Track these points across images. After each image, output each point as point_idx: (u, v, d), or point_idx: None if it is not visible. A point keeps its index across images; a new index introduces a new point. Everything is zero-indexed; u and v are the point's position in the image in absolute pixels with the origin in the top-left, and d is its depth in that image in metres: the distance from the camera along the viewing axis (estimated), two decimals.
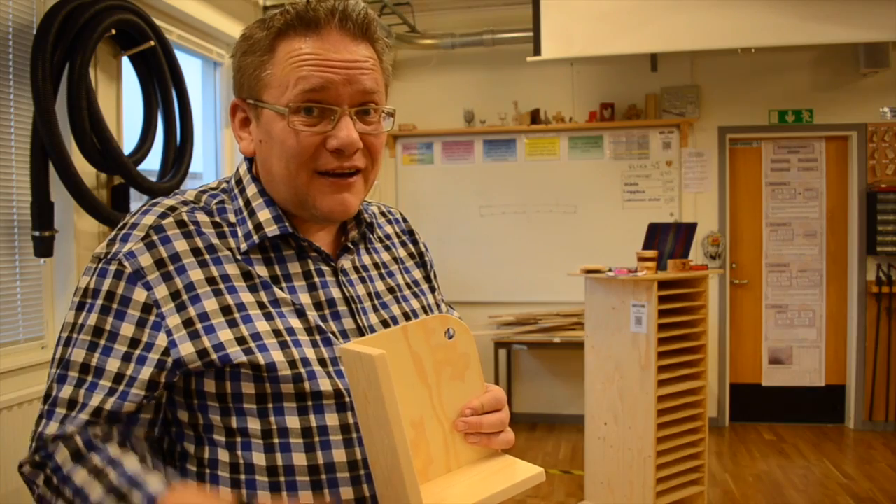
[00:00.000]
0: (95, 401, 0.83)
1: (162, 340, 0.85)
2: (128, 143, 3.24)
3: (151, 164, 3.33)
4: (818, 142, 5.29)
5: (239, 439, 0.85)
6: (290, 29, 0.89)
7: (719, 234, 5.24)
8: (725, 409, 5.32)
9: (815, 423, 5.31)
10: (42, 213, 2.76)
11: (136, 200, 3.28)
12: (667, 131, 5.28)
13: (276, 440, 0.85)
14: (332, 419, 0.87)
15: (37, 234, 2.76)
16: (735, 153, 5.35)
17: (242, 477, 0.85)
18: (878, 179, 5.09)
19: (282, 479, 0.85)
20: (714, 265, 5.16)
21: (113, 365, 0.84)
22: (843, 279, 5.27)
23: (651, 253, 3.46)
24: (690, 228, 3.68)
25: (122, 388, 0.84)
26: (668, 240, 3.64)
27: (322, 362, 0.88)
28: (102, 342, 0.85)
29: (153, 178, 3.26)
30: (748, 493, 4.04)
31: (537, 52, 4.49)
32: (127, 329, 0.85)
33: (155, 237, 0.88)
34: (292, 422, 0.85)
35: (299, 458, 0.85)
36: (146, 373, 0.84)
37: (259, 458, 0.85)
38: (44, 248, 2.79)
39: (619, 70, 5.30)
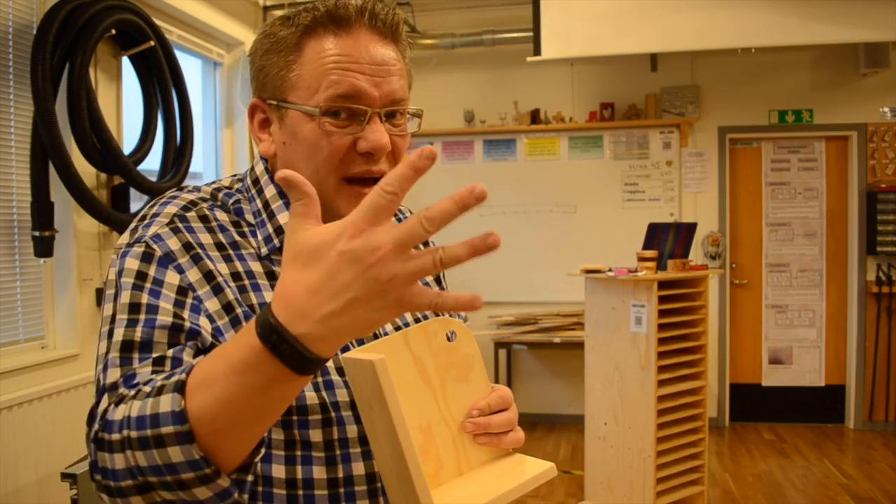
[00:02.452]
0: (155, 356, 0.76)
1: (206, 324, 0.80)
2: (128, 143, 3.24)
3: (151, 164, 3.33)
4: (818, 142, 5.29)
5: (261, 450, 0.84)
6: (318, 26, 0.87)
7: (719, 234, 5.24)
8: (725, 409, 5.32)
9: (815, 423, 5.31)
10: (42, 213, 2.76)
11: (136, 200, 3.27)
12: (667, 131, 5.28)
13: (298, 452, 0.83)
14: (352, 431, 0.85)
15: (37, 234, 2.76)
16: (735, 153, 5.35)
17: (259, 489, 0.83)
18: (878, 179, 5.09)
19: (300, 492, 0.83)
20: (714, 265, 5.15)
21: (161, 335, 0.77)
22: (843, 279, 5.27)
23: (651, 253, 3.46)
24: (690, 228, 3.68)
25: (181, 346, 0.78)
26: (668, 240, 3.64)
27: (340, 371, 0.87)
28: (142, 316, 0.78)
29: (153, 178, 3.26)
30: (748, 493, 4.04)
31: (537, 52, 4.49)
32: (165, 304, 0.79)
33: (180, 224, 0.85)
34: (315, 435, 0.84)
35: (319, 472, 0.84)
36: (205, 344, 0.79)
37: (279, 471, 0.83)
38: (44, 248, 2.79)
39: (619, 70, 5.30)
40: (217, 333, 0.80)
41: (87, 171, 2.93)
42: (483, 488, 0.80)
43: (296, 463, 0.83)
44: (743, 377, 5.39)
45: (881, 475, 4.25)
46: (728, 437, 5.07)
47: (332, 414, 0.85)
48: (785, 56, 5.11)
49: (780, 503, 3.90)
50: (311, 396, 0.84)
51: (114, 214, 3.00)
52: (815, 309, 5.33)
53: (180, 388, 0.65)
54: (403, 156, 0.93)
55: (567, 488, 4.14)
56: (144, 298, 0.79)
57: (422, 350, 0.81)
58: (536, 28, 4.48)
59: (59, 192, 2.82)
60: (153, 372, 0.74)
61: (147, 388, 0.68)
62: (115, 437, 0.67)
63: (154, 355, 0.76)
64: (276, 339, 0.60)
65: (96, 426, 0.70)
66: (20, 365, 2.71)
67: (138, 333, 0.77)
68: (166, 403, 0.64)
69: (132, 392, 0.70)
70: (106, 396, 0.74)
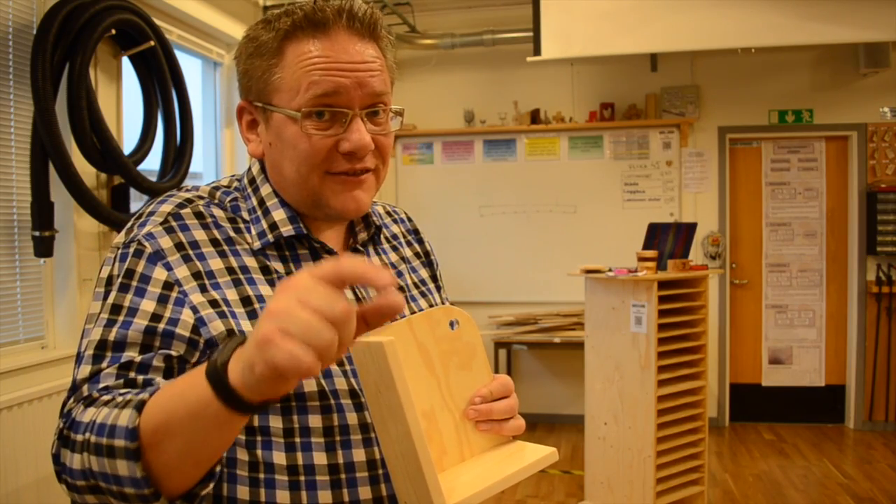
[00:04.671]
0: (123, 360, 0.80)
1: (188, 316, 0.83)
2: (128, 143, 3.24)
3: (151, 164, 3.33)
4: (818, 142, 5.29)
5: (259, 438, 0.85)
6: (297, 30, 0.88)
7: (719, 234, 5.24)
8: (725, 409, 5.32)
9: (815, 423, 5.31)
10: (42, 213, 2.76)
11: (136, 200, 3.28)
12: (667, 131, 5.28)
13: (297, 439, 0.85)
14: (352, 418, 0.87)
15: (37, 234, 2.76)
16: (735, 153, 5.35)
17: (261, 476, 0.85)
18: (878, 179, 5.09)
19: (302, 478, 0.85)
20: (714, 265, 5.15)
21: (135, 337, 0.81)
22: (843, 279, 5.26)
23: (651, 253, 3.46)
24: (690, 228, 3.68)
25: (152, 354, 0.81)
26: (668, 240, 3.64)
27: (338, 361, 0.88)
28: (121, 318, 0.82)
29: (153, 178, 3.26)
30: (748, 493, 4.04)
31: (537, 52, 4.49)
32: (147, 305, 0.83)
33: (174, 223, 0.88)
34: (315, 421, 0.85)
35: (320, 458, 0.85)
36: (179, 347, 0.82)
37: (279, 458, 0.84)
38: (44, 248, 2.79)
39: (619, 70, 5.30)
40: (199, 324, 0.83)
41: (87, 171, 2.93)
42: (486, 472, 0.81)
43: (296, 449, 0.85)
44: (743, 377, 5.39)
45: (881, 475, 4.25)
46: (728, 437, 5.07)
47: (332, 401, 0.86)
48: (785, 56, 5.11)
49: (780, 503, 3.90)
50: (309, 383, 0.85)
51: (114, 214, 3.00)
52: (815, 309, 5.32)
53: (139, 406, 0.69)
54: (389, 153, 0.96)
55: (567, 488, 4.14)
56: (128, 300, 0.83)
57: (425, 337, 0.82)
58: (536, 28, 4.48)
59: (59, 192, 2.82)
60: (118, 377, 0.78)
61: (119, 399, 0.73)
62: (79, 437, 0.72)
63: (123, 358, 0.80)
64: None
65: (64, 423, 0.76)
66: (20, 365, 2.70)
67: (114, 333, 0.81)
68: (124, 418, 0.69)
69: (107, 397, 0.75)
70: (75, 393, 0.79)
